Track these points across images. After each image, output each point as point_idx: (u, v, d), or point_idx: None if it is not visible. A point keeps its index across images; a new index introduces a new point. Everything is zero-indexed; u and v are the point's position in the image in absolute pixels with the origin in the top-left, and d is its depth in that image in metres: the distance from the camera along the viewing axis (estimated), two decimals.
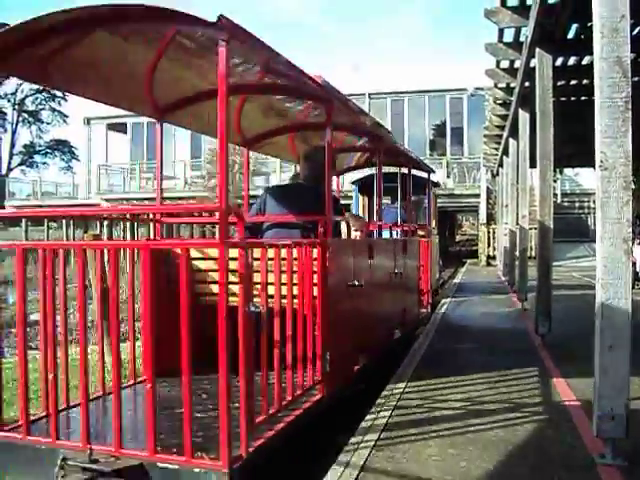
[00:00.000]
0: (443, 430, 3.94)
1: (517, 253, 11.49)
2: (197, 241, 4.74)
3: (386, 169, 7.32)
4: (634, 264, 12.61)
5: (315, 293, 4.03)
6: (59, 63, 3.58)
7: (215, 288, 3.47)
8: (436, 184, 13.74)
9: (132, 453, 2.94)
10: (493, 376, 5.36)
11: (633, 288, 3.33)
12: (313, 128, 5.59)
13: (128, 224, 16.06)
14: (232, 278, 2.94)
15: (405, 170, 7.83)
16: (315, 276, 4.04)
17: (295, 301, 3.84)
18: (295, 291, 3.85)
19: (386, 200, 8.26)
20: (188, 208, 6.81)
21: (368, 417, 4.25)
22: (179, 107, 4.64)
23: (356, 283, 4.86)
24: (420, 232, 9.32)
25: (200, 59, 3.79)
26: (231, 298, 2.89)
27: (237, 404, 2.95)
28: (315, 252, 4.07)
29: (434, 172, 9.93)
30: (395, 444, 3.71)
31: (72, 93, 4.38)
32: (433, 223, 11.69)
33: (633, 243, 3.65)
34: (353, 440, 3.79)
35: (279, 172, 28.82)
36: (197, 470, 2.84)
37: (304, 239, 4.45)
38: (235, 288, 2.95)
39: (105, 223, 14.58)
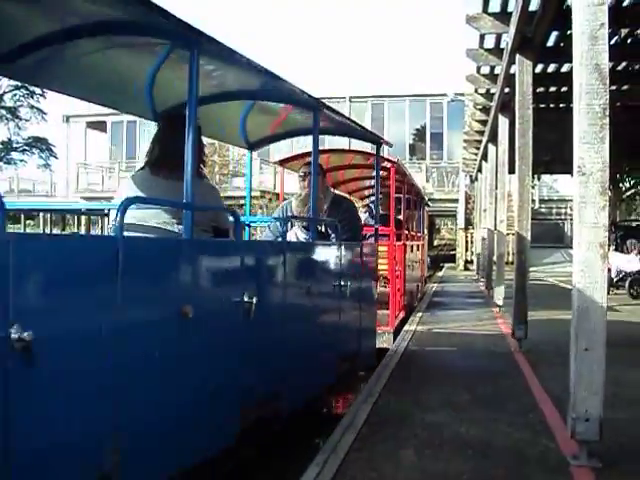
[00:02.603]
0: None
1: (495, 258, 11.58)
2: (381, 242, 7.80)
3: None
4: (609, 270, 12.78)
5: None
6: None
7: None
8: (427, 204, 17.67)
9: None
10: None
11: (608, 294, 3.38)
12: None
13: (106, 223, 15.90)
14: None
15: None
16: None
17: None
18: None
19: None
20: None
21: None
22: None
23: (410, 262, 10.54)
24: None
25: None
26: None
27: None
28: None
29: (428, 199, 16.62)
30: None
31: None
32: (425, 231, 16.61)
33: (609, 249, 3.70)
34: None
35: (257, 174, 28.77)
36: (380, 331, 7.23)
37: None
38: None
39: (83, 222, 14.45)
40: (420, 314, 10.18)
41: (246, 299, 3.38)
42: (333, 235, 5.46)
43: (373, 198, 10.94)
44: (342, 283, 5.09)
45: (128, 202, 2.66)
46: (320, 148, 5.11)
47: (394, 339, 7.69)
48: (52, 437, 2.17)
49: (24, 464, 2.07)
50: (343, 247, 5.24)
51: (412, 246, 11.22)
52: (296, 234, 4.78)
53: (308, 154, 7.18)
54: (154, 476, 2.74)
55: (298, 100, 4.43)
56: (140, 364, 2.65)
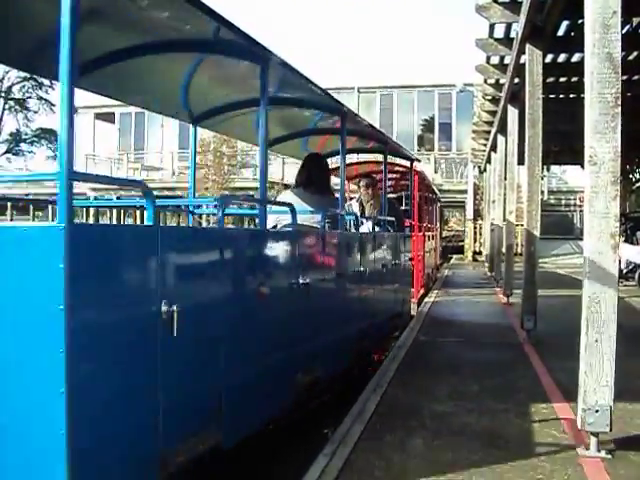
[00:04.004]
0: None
1: (504, 249, 11.54)
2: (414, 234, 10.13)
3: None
4: (619, 261, 12.72)
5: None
6: None
7: None
8: (439, 199, 20.21)
9: None
10: None
11: (617, 285, 3.36)
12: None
13: (115, 214, 15.96)
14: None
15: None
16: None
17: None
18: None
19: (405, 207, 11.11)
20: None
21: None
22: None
23: (427, 249, 12.53)
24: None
25: None
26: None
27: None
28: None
29: (439, 195, 19.73)
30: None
31: None
32: (438, 224, 18.90)
33: (619, 240, 3.68)
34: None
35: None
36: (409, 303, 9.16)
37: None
38: None
39: (91, 213, 14.53)
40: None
41: (362, 269, 5.64)
42: (389, 228, 7.32)
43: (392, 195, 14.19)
44: (397, 262, 7.44)
45: (325, 212, 4.86)
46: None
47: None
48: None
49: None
50: (397, 236, 7.66)
51: (429, 236, 13.83)
52: (368, 228, 6.50)
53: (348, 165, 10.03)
54: (340, 365, 5.18)
55: (372, 135, 6.79)
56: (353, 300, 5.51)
